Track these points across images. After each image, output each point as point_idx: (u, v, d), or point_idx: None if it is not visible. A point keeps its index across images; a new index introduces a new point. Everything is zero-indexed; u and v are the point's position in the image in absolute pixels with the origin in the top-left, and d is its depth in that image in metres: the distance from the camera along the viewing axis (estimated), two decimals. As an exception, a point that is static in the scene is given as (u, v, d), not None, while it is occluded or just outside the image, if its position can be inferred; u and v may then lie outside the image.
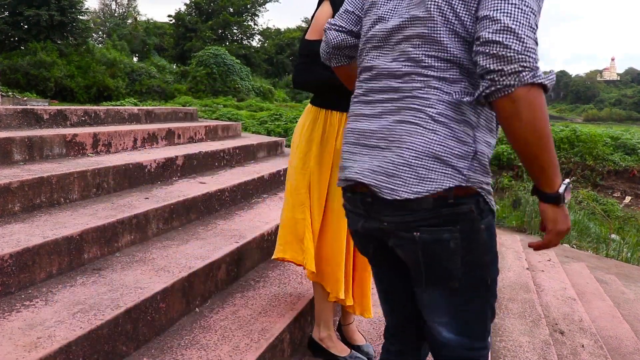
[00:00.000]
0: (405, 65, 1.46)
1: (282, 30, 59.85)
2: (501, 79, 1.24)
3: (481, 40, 1.26)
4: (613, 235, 8.95)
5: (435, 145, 1.37)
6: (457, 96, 1.39)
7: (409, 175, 1.38)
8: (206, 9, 50.80)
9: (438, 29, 1.39)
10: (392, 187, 1.40)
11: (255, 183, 4.41)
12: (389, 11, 1.53)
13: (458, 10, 1.36)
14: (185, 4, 52.55)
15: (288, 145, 11.88)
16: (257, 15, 54.62)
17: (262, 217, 3.74)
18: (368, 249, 1.72)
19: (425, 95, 1.40)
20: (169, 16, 52.51)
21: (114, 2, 62.85)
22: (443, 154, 1.37)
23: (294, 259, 2.45)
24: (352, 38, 1.73)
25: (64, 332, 1.89)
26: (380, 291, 1.81)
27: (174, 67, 44.47)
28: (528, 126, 1.26)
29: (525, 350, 3.35)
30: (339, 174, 1.65)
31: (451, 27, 1.38)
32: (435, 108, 1.39)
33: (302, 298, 2.82)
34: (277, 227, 3.53)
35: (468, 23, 1.36)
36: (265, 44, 56.12)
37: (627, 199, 12.21)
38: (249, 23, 53.69)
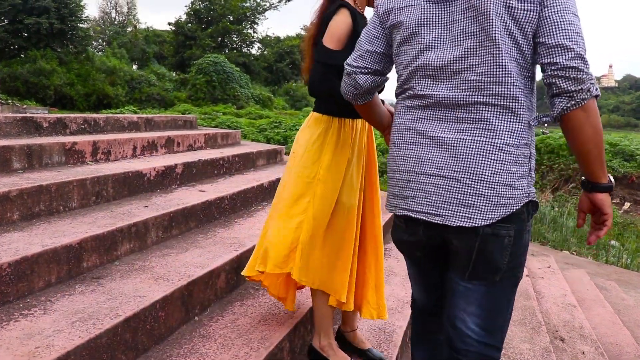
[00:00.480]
0: (469, 95, 1.58)
1: (282, 38, 59.95)
2: (578, 95, 1.47)
3: (559, 65, 1.47)
4: (613, 242, 8.95)
5: (503, 174, 1.56)
6: (521, 121, 1.58)
7: (484, 204, 1.56)
8: (206, 17, 50.92)
9: (502, 57, 1.53)
10: (469, 215, 1.58)
11: (254, 191, 4.41)
12: (436, 40, 1.63)
13: (517, 37, 1.53)
14: (186, 12, 52.72)
15: (288, 153, 11.80)
16: (257, 23, 54.76)
17: (262, 225, 3.72)
18: (415, 253, 1.89)
19: (491, 127, 1.57)
20: (169, 24, 52.61)
21: (113, 11, 62.94)
22: (510, 181, 1.56)
23: (274, 270, 2.40)
24: (380, 77, 1.87)
25: (62, 341, 1.88)
26: (420, 284, 2.00)
27: (174, 74, 44.53)
28: (595, 129, 1.51)
29: (526, 357, 3.34)
30: (394, 200, 1.78)
31: (511, 53, 1.54)
32: (501, 138, 1.56)
33: (301, 306, 2.81)
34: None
35: (525, 48, 1.54)
36: (265, 52, 56.18)
37: (626, 205, 12.20)
38: (249, 31, 53.81)
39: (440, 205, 1.61)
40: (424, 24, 1.64)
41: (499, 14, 1.50)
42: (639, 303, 5.59)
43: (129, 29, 55.86)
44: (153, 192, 3.81)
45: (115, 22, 61.67)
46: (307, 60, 2.46)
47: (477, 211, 1.56)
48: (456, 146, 1.59)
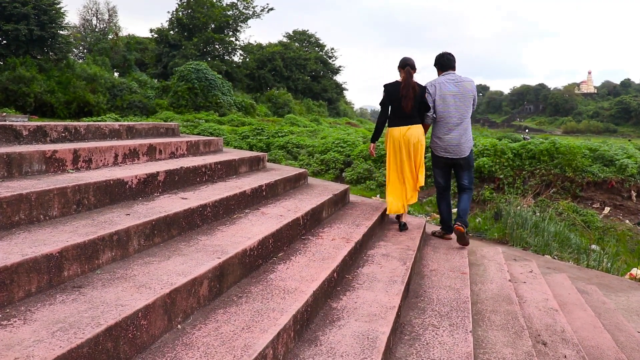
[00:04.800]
0: (463, 121, 5.78)
1: (264, 45, 59.98)
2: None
3: (474, 109, 6.01)
4: (593, 246, 9.04)
5: (470, 142, 5.83)
6: (470, 126, 5.93)
7: (466, 150, 5.77)
8: (188, 25, 50.76)
9: (470, 111, 5.83)
10: (464, 154, 5.77)
11: (237, 198, 4.40)
12: (453, 106, 5.75)
13: (471, 104, 5.83)
14: (168, 20, 52.54)
15: (270, 160, 11.84)
16: (239, 31, 54.76)
17: (245, 232, 3.73)
18: (442, 164, 5.96)
19: (468, 130, 5.82)
20: (151, 30, 52.36)
21: (94, 17, 62.53)
22: (471, 144, 5.88)
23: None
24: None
25: (42, 351, 1.86)
26: (442, 177, 6.10)
27: (155, 82, 44.30)
28: None
29: (508, 362, 3.36)
30: (442, 152, 5.86)
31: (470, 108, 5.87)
32: (470, 134, 5.86)
33: (285, 313, 2.81)
34: (259, 242, 3.53)
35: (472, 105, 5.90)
36: (247, 59, 56.14)
37: (606, 209, 12.33)
38: (231, 39, 53.77)
39: (459, 152, 5.73)
40: (447, 102, 5.72)
41: (471, 97, 5.77)
42: (619, 306, 5.66)
43: (110, 36, 55.46)
44: (135, 200, 3.79)
45: (96, 29, 61.21)
46: (411, 102, 5.64)
47: (465, 151, 5.76)
48: (464, 135, 5.75)
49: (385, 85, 5.87)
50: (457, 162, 5.83)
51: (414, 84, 5.67)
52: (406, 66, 5.78)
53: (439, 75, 5.98)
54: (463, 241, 5.76)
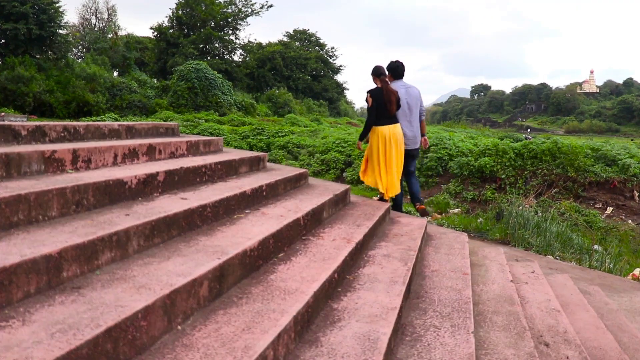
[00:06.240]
0: (415, 119, 7.48)
1: (264, 44, 59.96)
2: (423, 116, 7.80)
3: (423, 109, 7.63)
4: (596, 246, 9.02)
5: (419, 136, 7.58)
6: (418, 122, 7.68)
7: (418, 143, 7.47)
8: (187, 22, 50.76)
9: (418, 109, 7.58)
10: (417, 146, 7.46)
11: (237, 198, 4.38)
12: (407, 108, 7.39)
13: (419, 104, 7.62)
14: (167, 16, 52.61)
15: (270, 160, 11.90)
16: (239, 29, 54.78)
17: (245, 232, 3.71)
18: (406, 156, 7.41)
19: (417, 125, 7.52)
20: (151, 28, 52.35)
21: (93, 17, 62.41)
22: (419, 137, 7.59)
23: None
24: None
25: (41, 353, 1.84)
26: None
27: (155, 81, 44.29)
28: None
29: (511, 363, 3.34)
30: (404, 146, 7.06)
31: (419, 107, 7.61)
32: (419, 128, 7.59)
33: (285, 314, 2.79)
34: (259, 243, 3.52)
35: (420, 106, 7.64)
36: (247, 58, 56.12)
37: (609, 209, 12.30)
38: (231, 37, 53.79)
39: (413, 144, 7.33)
40: (403, 104, 7.22)
41: (418, 101, 7.47)
42: (622, 307, 5.64)
43: (110, 35, 55.41)
44: (134, 200, 3.77)
45: (96, 29, 61.11)
46: (394, 105, 6.80)
47: (417, 144, 7.44)
48: (414, 130, 7.43)
49: (371, 92, 6.85)
50: (411, 152, 7.28)
51: (392, 89, 6.83)
52: (381, 75, 6.93)
53: (390, 81, 7.18)
54: (425, 214, 7.48)
